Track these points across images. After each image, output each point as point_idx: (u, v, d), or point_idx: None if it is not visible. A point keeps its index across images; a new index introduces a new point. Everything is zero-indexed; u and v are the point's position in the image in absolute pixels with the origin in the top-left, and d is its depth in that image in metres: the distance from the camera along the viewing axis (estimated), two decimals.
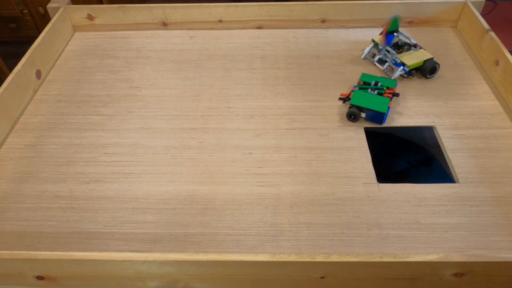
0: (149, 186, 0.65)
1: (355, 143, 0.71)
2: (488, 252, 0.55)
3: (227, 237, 0.58)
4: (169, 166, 0.68)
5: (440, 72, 0.85)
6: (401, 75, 0.84)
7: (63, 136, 0.74)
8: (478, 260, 0.48)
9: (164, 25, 0.99)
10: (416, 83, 0.83)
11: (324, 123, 0.75)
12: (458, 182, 0.65)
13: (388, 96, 0.75)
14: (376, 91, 0.76)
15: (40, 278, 0.52)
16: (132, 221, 0.60)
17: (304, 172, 0.66)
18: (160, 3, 0.97)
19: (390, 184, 0.64)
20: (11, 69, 0.80)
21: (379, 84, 0.78)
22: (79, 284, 0.53)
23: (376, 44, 0.87)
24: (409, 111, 0.77)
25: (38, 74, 0.85)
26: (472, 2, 0.94)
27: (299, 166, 0.67)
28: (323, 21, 0.98)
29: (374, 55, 0.88)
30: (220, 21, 0.99)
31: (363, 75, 0.81)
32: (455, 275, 0.50)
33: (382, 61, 0.87)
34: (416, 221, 0.59)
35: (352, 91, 0.76)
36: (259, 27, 1.00)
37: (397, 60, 0.83)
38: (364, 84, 0.79)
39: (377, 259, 0.48)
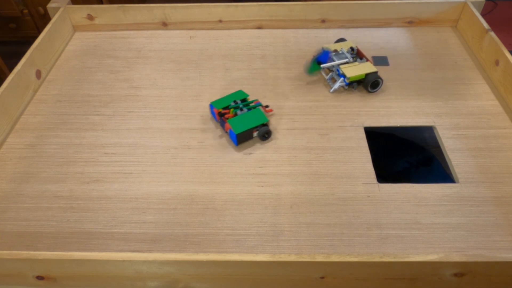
0: (149, 186, 0.65)
1: (355, 143, 0.71)
2: (488, 252, 0.55)
3: (227, 237, 0.58)
4: (169, 166, 0.68)
5: (440, 72, 0.85)
6: (342, 87, 0.81)
7: (63, 136, 0.74)
8: (478, 260, 0.48)
9: (164, 25, 0.99)
10: (415, 83, 0.83)
11: (324, 123, 0.75)
12: (458, 182, 0.65)
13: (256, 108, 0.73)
14: (244, 109, 0.73)
15: (40, 278, 0.52)
16: (132, 221, 0.60)
17: (304, 172, 0.66)
18: (160, 3, 0.97)
19: (390, 184, 0.64)
20: (11, 69, 0.80)
21: (238, 102, 0.75)
22: (79, 284, 0.53)
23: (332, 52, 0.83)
24: (409, 111, 0.77)
25: (38, 74, 0.85)
26: (472, 2, 0.94)
27: (299, 166, 0.67)
28: (323, 21, 0.98)
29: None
30: (220, 21, 0.99)
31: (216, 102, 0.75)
32: (455, 275, 0.50)
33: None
34: (416, 221, 0.59)
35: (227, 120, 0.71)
36: (259, 27, 1.00)
37: (340, 70, 0.80)
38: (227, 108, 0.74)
39: (377, 259, 0.48)
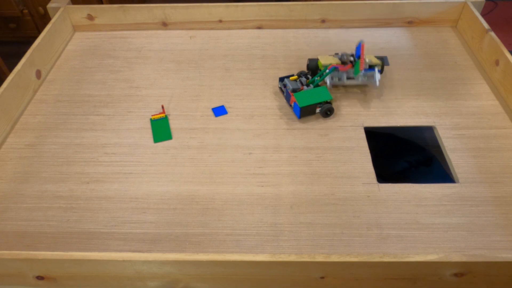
0: (149, 186, 0.65)
1: (355, 143, 0.71)
2: (488, 252, 0.55)
3: (227, 237, 0.58)
4: (169, 166, 0.68)
5: (440, 72, 0.85)
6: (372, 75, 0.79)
7: (63, 136, 0.74)
8: (478, 260, 0.48)
9: (164, 25, 0.99)
10: (415, 83, 0.83)
11: (324, 123, 0.75)
12: (458, 182, 0.65)
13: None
14: (310, 85, 0.77)
15: (40, 278, 0.52)
16: (132, 221, 0.60)
17: (304, 172, 0.66)
18: (160, 3, 0.97)
19: (390, 184, 0.64)
20: (11, 69, 0.81)
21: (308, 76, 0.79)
22: (79, 284, 0.53)
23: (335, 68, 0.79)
24: (409, 111, 0.77)
25: (38, 74, 0.85)
26: (472, 2, 0.94)
27: (299, 166, 0.67)
28: (323, 21, 0.98)
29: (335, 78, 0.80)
30: (220, 21, 0.99)
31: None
32: (455, 275, 0.50)
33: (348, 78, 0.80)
34: (416, 221, 0.59)
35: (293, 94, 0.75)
36: (259, 27, 1.00)
37: (367, 65, 0.78)
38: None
39: (377, 259, 0.48)
